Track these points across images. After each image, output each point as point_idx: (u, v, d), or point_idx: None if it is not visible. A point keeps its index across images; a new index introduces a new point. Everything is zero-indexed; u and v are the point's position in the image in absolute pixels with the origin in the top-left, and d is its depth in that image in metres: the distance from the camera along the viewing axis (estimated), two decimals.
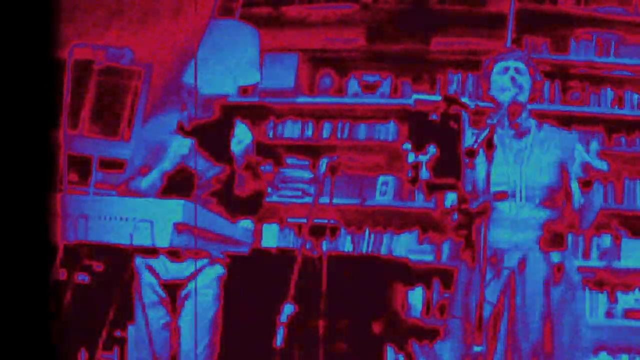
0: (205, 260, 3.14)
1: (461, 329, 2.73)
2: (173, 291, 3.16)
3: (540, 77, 2.86)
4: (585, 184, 2.59)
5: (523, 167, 2.75)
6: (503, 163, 2.73)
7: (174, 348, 3.17)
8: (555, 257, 2.71)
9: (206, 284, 3.14)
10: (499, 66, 2.82)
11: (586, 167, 2.51)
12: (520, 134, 2.81)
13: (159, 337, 3.13)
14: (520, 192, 2.72)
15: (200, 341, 3.10)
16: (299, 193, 5.10)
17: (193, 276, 3.12)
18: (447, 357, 2.76)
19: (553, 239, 2.73)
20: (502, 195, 2.70)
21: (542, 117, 2.92)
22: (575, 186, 2.66)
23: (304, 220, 3.56)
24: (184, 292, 3.14)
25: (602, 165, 2.49)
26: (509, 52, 2.90)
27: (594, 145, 2.51)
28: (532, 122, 2.83)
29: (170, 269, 3.14)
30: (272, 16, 5.27)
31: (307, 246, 3.67)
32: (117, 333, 4.01)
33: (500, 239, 2.68)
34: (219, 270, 3.20)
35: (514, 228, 2.70)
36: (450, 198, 2.65)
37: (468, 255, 2.76)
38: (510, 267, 2.68)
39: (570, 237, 4.49)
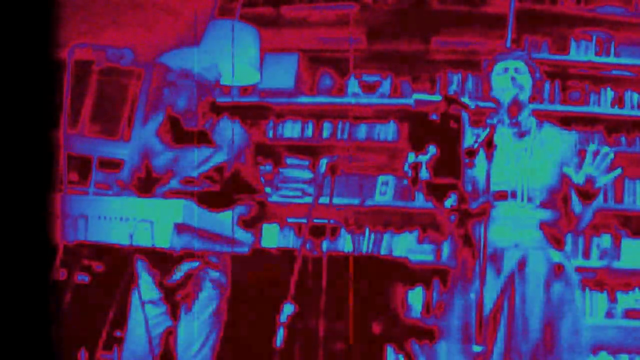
0: (196, 264, 3.14)
1: (457, 329, 2.73)
2: (170, 292, 3.16)
3: (540, 76, 2.86)
4: (585, 197, 2.59)
5: (524, 167, 2.75)
6: (504, 162, 2.73)
7: (170, 348, 3.17)
8: (556, 256, 2.71)
9: (199, 287, 3.13)
10: (498, 66, 2.82)
11: (589, 180, 2.52)
12: (521, 133, 2.80)
13: (156, 336, 3.13)
14: (522, 192, 2.72)
15: (195, 342, 3.09)
16: (299, 193, 5.09)
17: (185, 279, 3.12)
18: (444, 357, 2.76)
19: (553, 239, 2.74)
20: (503, 195, 2.70)
21: (542, 117, 2.92)
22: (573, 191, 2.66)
23: (304, 220, 3.55)
24: (179, 294, 3.14)
25: (605, 180, 2.49)
26: (509, 52, 2.90)
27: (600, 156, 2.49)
28: (533, 122, 2.83)
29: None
30: (272, 16, 5.27)
31: (307, 246, 3.66)
32: (117, 333, 4.01)
33: (501, 238, 2.68)
34: (212, 274, 3.18)
35: (515, 227, 2.70)
36: (451, 198, 2.65)
37: (467, 253, 2.77)
38: (510, 266, 2.68)
39: (570, 238, 4.55)
